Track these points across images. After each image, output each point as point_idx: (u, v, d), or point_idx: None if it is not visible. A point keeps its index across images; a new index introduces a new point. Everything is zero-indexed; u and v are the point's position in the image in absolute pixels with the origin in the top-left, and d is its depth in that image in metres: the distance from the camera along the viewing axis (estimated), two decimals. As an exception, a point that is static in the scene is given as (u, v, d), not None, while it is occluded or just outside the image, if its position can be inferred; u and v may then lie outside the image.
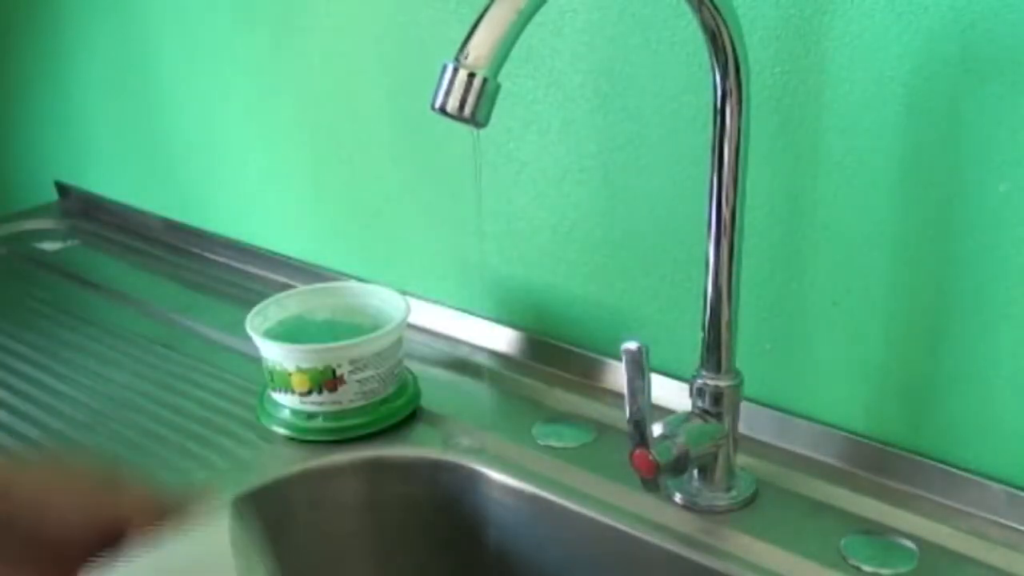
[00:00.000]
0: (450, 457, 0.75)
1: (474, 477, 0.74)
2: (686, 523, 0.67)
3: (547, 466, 0.73)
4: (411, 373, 0.83)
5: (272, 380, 0.78)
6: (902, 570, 0.62)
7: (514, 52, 0.49)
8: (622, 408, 0.61)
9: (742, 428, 0.68)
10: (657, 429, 0.64)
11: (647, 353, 0.59)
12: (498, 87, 0.49)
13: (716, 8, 0.56)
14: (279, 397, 0.78)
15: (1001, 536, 0.64)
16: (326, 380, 0.75)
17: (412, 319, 0.81)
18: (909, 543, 0.64)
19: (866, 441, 0.70)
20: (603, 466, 0.72)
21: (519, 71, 0.80)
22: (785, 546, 0.64)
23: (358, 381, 0.76)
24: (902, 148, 0.63)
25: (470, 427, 0.78)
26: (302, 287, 0.88)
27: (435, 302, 0.93)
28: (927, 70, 0.61)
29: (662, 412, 0.70)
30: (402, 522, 0.78)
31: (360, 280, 0.95)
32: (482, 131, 0.50)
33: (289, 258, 1.07)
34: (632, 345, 0.58)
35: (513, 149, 0.83)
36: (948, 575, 0.61)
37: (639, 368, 0.59)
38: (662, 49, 0.72)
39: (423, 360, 0.88)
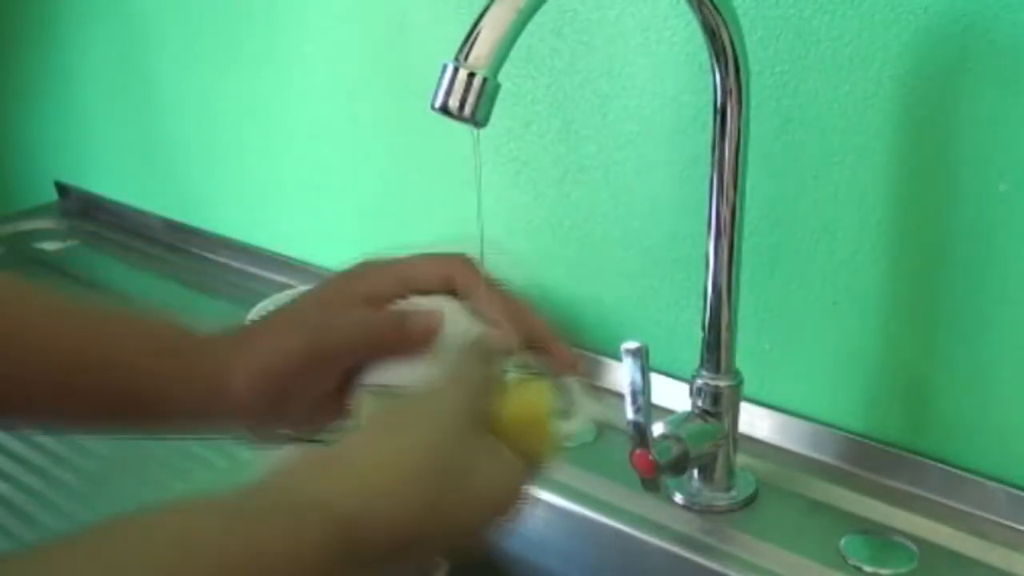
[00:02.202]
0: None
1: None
2: (686, 523, 0.67)
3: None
4: (411, 373, 0.83)
5: (272, 380, 0.77)
6: (902, 570, 0.62)
7: (514, 52, 0.49)
8: (622, 408, 0.61)
9: (742, 428, 0.68)
10: (657, 429, 0.64)
11: (647, 353, 0.59)
12: (498, 87, 0.49)
13: (716, 8, 0.56)
14: (279, 397, 0.78)
15: (1001, 536, 0.64)
16: (326, 380, 0.75)
17: (412, 319, 0.81)
18: (909, 543, 0.64)
19: (866, 441, 0.70)
20: (603, 466, 0.72)
21: (519, 71, 0.80)
22: (785, 546, 0.64)
23: (358, 381, 0.76)
24: (901, 148, 0.63)
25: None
26: (302, 287, 0.87)
27: (435, 302, 0.93)
28: (926, 70, 0.61)
29: (662, 412, 0.70)
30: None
31: (360, 280, 0.95)
32: (482, 131, 0.50)
33: (289, 258, 1.07)
34: (632, 345, 0.58)
35: (513, 149, 0.83)
36: (948, 575, 0.62)
37: (639, 368, 0.59)
38: (662, 49, 0.72)
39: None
